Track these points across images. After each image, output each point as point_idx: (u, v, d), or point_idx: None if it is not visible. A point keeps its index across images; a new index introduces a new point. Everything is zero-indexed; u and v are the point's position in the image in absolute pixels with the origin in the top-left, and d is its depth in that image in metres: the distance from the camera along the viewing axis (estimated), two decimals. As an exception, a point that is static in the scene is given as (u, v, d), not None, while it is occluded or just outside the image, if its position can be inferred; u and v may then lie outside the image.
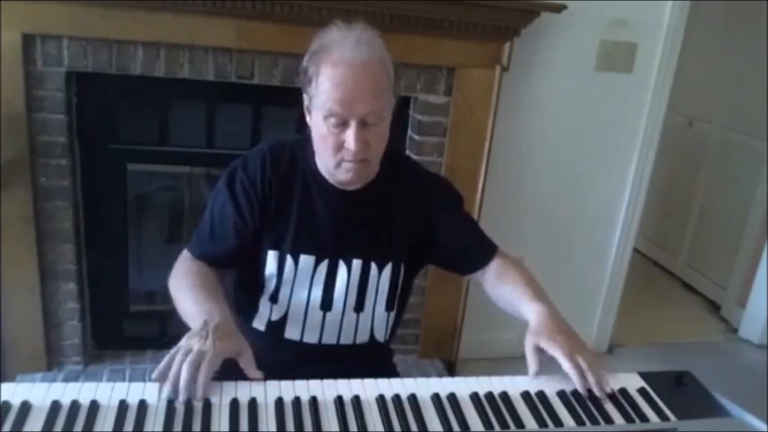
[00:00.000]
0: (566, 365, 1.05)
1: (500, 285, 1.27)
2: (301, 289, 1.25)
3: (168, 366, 0.97)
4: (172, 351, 1.00)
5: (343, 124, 1.11)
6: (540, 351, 1.08)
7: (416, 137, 2.24)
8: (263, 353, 1.09)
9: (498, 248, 1.34)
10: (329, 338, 1.29)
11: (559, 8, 2.12)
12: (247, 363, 1.04)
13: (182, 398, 0.94)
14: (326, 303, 1.27)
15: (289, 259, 1.24)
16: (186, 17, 1.90)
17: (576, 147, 2.49)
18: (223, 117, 2.21)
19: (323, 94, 1.11)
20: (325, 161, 1.20)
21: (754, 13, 3.14)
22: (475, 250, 1.33)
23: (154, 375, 0.97)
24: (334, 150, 1.14)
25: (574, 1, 2.15)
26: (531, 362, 1.09)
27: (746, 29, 3.25)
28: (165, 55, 1.96)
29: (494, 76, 2.18)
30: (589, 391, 1.05)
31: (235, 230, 1.23)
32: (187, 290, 1.17)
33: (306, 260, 1.24)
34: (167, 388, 0.95)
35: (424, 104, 2.19)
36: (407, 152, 2.28)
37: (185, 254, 1.28)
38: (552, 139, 2.46)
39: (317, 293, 1.26)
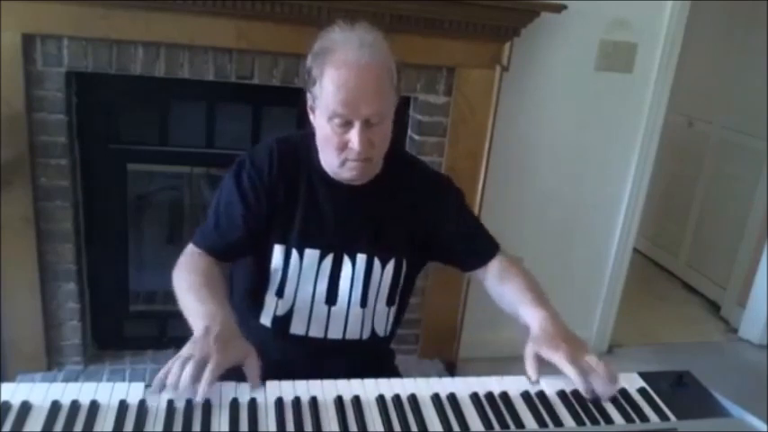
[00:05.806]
0: (570, 372, 1.04)
1: (501, 286, 1.28)
2: (306, 283, 1.26)
3: (167, 374, 0.96)
4: (171, 360, 0.98)
5: (347, 124, 1.13)
6: (539, 358, 1.08)
7: (416, 137, 2.24)
8: (270, 349, 1.08)
9: (500, 247, 1.34)
10: (335, 333, 1.29)
11: (559, 8, 2.12)
12: (251, 369, 1.02)
13: (180, 396, 0.93)
14: (331, 297, 1.27)
15: (294, 253, 1.24)
16: (186, 17, 1.90)
17: (575, 147, 2.49)
18: (223, 117, 2.21)
19: (327, 96, 1.12)
20: (328, 160, 1.21)
21: (754, 13, 3.14)
22: (476, 248, 1.34)
23: (153, 385, 0.96)
24: (339, 150, 1.16)
25: (574, 1, 2.15)
26: (531, 370, 1.08)
27: (746, 29, 3.25)
28: (165, 55, 1.96)
29: (494, 76, 2.18)
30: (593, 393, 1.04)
31: (242, 221, 1.23)
32: (190, 287, 1.16)
33: (311, 254, 1.25)
34: (167, 392, 0.94)
35: (424, 104, 2.19)
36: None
37: (190, 248, 1.27)
38: (552, 139, 2.45)
39: (323, 288, 1.27)
